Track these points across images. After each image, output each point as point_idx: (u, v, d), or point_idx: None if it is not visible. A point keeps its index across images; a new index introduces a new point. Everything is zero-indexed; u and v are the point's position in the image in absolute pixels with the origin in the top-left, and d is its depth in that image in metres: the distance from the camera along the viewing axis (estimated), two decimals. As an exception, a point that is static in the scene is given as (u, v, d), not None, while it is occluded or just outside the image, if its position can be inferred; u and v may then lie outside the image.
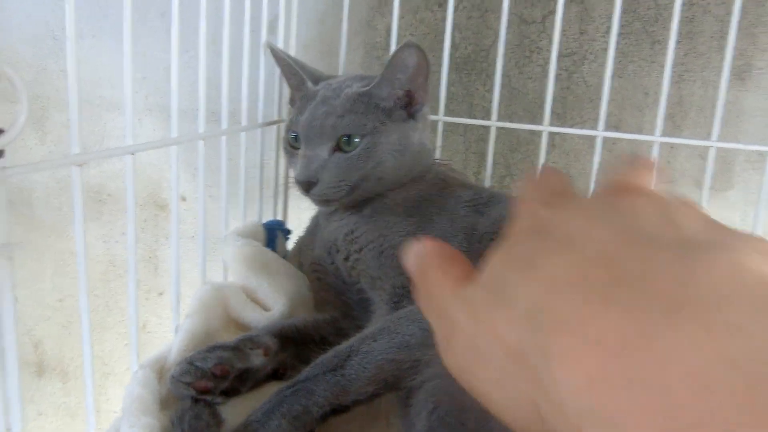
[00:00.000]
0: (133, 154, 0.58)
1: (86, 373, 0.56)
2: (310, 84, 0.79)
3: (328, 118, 0.73)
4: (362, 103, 0.75)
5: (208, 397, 0.58)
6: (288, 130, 0.78)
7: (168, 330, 1.40)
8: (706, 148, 0.92)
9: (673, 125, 1.08)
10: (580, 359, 0.21)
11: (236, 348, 0.62)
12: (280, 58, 0.82)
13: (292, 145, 0.78)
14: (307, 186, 0.73)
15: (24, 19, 1.29)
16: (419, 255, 0.36)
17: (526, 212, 0.31)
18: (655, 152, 0.92)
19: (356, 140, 0.73)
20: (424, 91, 0.79)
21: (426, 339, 0.57)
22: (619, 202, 0.28)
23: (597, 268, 0.23)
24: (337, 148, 0.74)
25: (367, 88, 0.76)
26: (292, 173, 0.82)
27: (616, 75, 1.04)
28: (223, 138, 0.79)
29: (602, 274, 0.23)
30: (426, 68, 0.77)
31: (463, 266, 0.33)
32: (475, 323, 0.28)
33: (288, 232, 0.93)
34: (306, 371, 0.58)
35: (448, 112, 1.02)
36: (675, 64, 0.90)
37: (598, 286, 0.22)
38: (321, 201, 0.76)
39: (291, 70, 0.81)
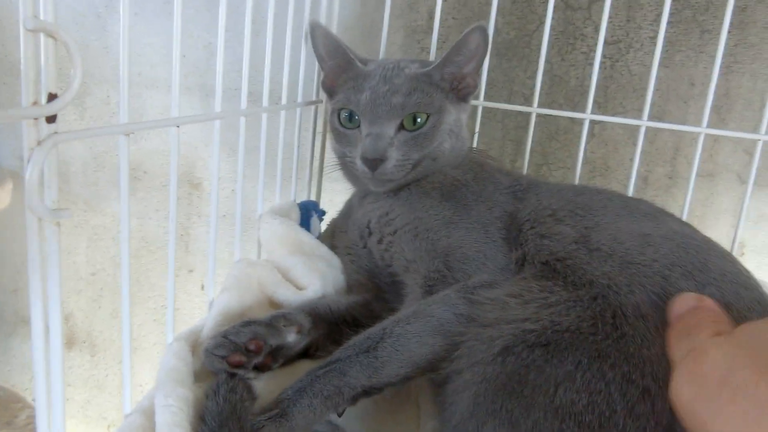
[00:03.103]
0: (178, 126, 0.58)
1: (124, 345, 0.57)
2: (359, 64, 0.77)
3: (394, 96, 0.72)
4: (425, 83, 0.74)
5: (240, 372, 0.57)
6: (339, 108, 0.76)
7: (196, 307, 1.41)
8: (752, 142, 0.89)
9: (718, 118, 1.05)
10: None
11: (270, 324, 0.62)
12: (326, 36, 0.79)
13: (344, 124, 0.76)
14: (375, 164, 0.71)
15: (68, -5, 1.30)
16: (695, 304, 0.47)
17: None
18: (699, 145, 0.90)
19: (419, 119, 0.73)
20: (478, 74, 0.79)
21: (459, 324, 0.57)
22: None
23: None
24: (401, 126, 0.73)
25: (429, 68, 0.75)
26: (332, 153, 0.81)
27: (662, 64, 1.02)
28: (264, 115, 0.79)
29: None
30: (484, 52, 0.76)
31: (726, 326, 0.43)
32: (733, 365, 0.36)
33: (322, 213, 0.93)
34: (339, 352, 0.58)
35: (488, 98, 1.00)
36: (724, 55, 0.87)
37: None
38: (383, 180, 0.73)
39: (338, 49, 0.79)
